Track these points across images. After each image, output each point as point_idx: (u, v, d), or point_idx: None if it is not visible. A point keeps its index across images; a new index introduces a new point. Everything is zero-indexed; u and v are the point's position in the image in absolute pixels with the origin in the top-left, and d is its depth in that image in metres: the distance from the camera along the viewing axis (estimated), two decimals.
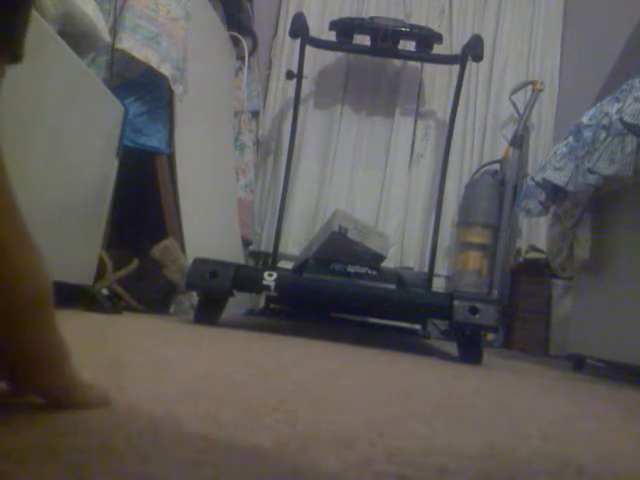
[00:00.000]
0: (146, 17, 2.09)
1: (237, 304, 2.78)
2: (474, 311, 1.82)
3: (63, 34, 1.48)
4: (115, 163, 1.89)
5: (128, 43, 2.02)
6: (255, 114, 3.62)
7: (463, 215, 3.57)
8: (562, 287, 3.21)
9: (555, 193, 2.27)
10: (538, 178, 2.29)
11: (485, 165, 3.72)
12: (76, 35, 1.63)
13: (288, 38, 3.68)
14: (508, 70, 3.93)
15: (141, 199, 2.28)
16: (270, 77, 4.07)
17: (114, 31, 1.97)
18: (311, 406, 0.77)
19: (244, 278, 1.94)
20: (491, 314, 1.84)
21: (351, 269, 2.13)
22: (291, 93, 3.68)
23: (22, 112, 1.30)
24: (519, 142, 3.53)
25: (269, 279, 1.90)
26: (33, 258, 0.60)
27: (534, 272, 3.34)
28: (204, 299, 1.99)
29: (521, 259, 3.53)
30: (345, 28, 3.48)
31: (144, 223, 2.31)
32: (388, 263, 3.10)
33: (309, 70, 3.76)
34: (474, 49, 3.18)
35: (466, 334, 1.89)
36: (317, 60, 3.95)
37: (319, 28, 3.79)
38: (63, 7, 1.52)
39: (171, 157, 2.31)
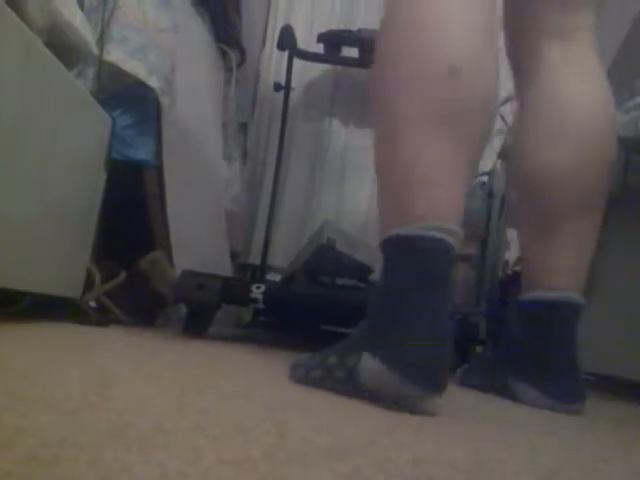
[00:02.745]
0: (134, 29, 2.09)
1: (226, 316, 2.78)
2: (462, 324, 1.83)
3: (50, 46, 1.48)
4: (103, 176, 1.89)
5: (116, 55, 2.01)
6: (243, 126, 3.62)
7: None
8: None
9: None
10: None
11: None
12: (63, 47, 1.63)
13: (276, 50, 3.69)
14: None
15: (129, 211, 2.28)
16: (258, 89, 4.07)
17: (102, 43, 1.97)
18: (300, 417, 0.77)
19: (232, 291, 1.94)
20: (479, 327, 1.85)
21: (339, 281, 2.13)
22: (279, 105, 3.68)
23: (8, 124, 1.30)
24: (507, 154, 3.54)
25: (257, 291, 1.90)
26: None
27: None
28: (192, 311, 1.99)
29: (509, 271, 3.53)
30: (333, 40, 3.49)
31: (132, 235, 2.30)
32: (377, 274, 3.11)
33: (297, 82, 3.76)
34: None
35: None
36: (305, 72, 3.95)
37: (307, 40, 3.80)
38: (50, 19, 1.52)
39: (159, 169, 2.31)
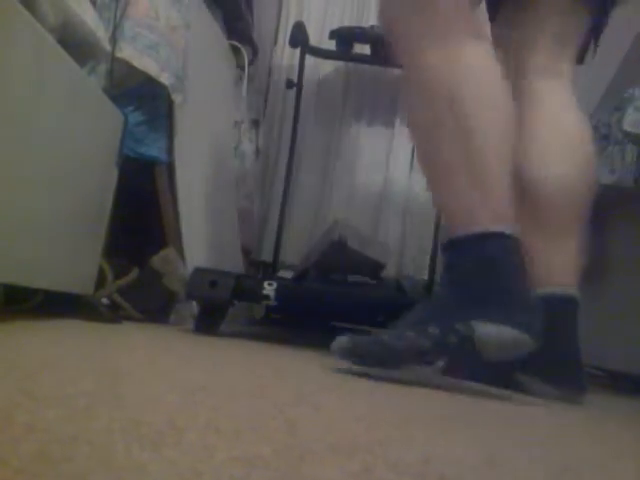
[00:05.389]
0: (146, 25, 2.09)
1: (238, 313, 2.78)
2: None
3: (63, 43, 1.48)
4: (115, 172, 1.89)
5: (128, 52, 2.01)
6: (255, 123, 3.61)
7: None
8: None
9: None
10: None
11: None
12: (76, 44, 1.63)
13: (288, 47, 3.69)
14: None
15: (140, 208, 2.28)
16: (270, 86, 4.07)
17: (114, 40, 1.97)
18: (311, 415, 0.77)
19: (244, 288, 1.94)
20: None
21: (351, 278, 2.13)
22: (291, 102, 3.67)
23: (22, 121, 1.30)
24: None
25: (269, 288, 1.90)
26: None
27: None
28: (204, 309, 1.99)
29: None
30: (345, 37, 3.48)
31: (144, 232, 2.30)
32: (388, 271, 3.10)
33: (309, 79, 3.76)
34: None
35: None
36: (317, 69, 3.95)
37: (319, 37, 3.79)
38: (63, 16, 1.52)
39: (171, 166, 2.31)
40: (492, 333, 1.18)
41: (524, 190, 1.57)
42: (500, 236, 1.26)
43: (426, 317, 1.28)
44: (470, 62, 1.38)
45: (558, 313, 1.45)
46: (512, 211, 1.32)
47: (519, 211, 1.58)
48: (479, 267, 1.26)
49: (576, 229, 1.56)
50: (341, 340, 1.31)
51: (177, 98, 2.23)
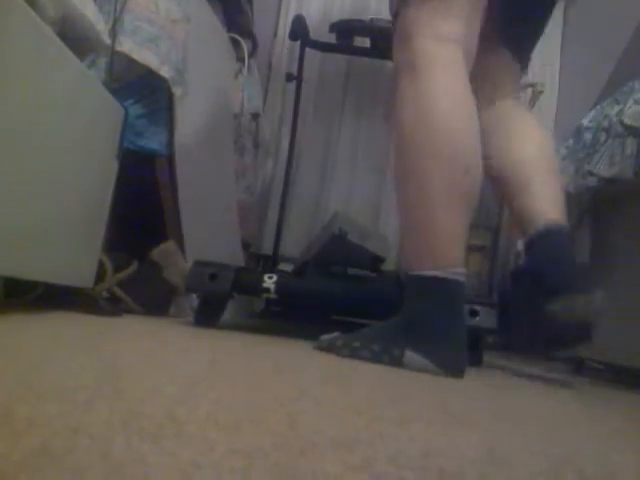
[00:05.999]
0: (146, 19, 2.09)
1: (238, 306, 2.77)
2: (474, 314, 1.82)
3: (62, 36, 1.48)
4: (115, 165, 1.89)
5: (128, 45, 2.01)
6: (255, 116, 3.61)
7: None
8: None
9: None
10: None
11: None
12: (75, 37, 1.63)
13: (288, 40, 3.68)
14: None
15: (141, 201, 2.28)
16: (270, 79, 4.06)
17: (114, 33, 1.97)
18: (311, 408, 0.77)
19: (244, 281, 1.94)
20: (491, 316, 1.85)
21: (351, 271, 2.12)
22: (291, 95, 3.67)
23: (22, 114, 1.30)
24: None
25: (269, 282, 1.89)
26: None
27: None
28: (204, 301, 1.99)
29: (521, 261, 3.52)
30: (345, 30, 3.48)
31: (144, 225, 2.30)
32: (388, 265, 3.10)
33: (309, 72, 3.75)
34: None
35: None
36: (317, 62, 3.95)
37: (319, 30, 3.79)
38: (62, 9, 1.52)
39: (171, 159, 2.31)
40: (416, 363, 1.41)
41: (500, 171, 1.88)
42: (453, 282, 1.48)
43: (376, 334, 1.54)
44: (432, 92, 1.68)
45: (552, 235, 1.71)
46: (461, 256, 1.51)
47: (503, 189, 1.91)
48: (425, 305, 1.49)
49: (552, 180, 1.81)
50: (322, 338, 1.64)
51: (177, 91, 2.23)
